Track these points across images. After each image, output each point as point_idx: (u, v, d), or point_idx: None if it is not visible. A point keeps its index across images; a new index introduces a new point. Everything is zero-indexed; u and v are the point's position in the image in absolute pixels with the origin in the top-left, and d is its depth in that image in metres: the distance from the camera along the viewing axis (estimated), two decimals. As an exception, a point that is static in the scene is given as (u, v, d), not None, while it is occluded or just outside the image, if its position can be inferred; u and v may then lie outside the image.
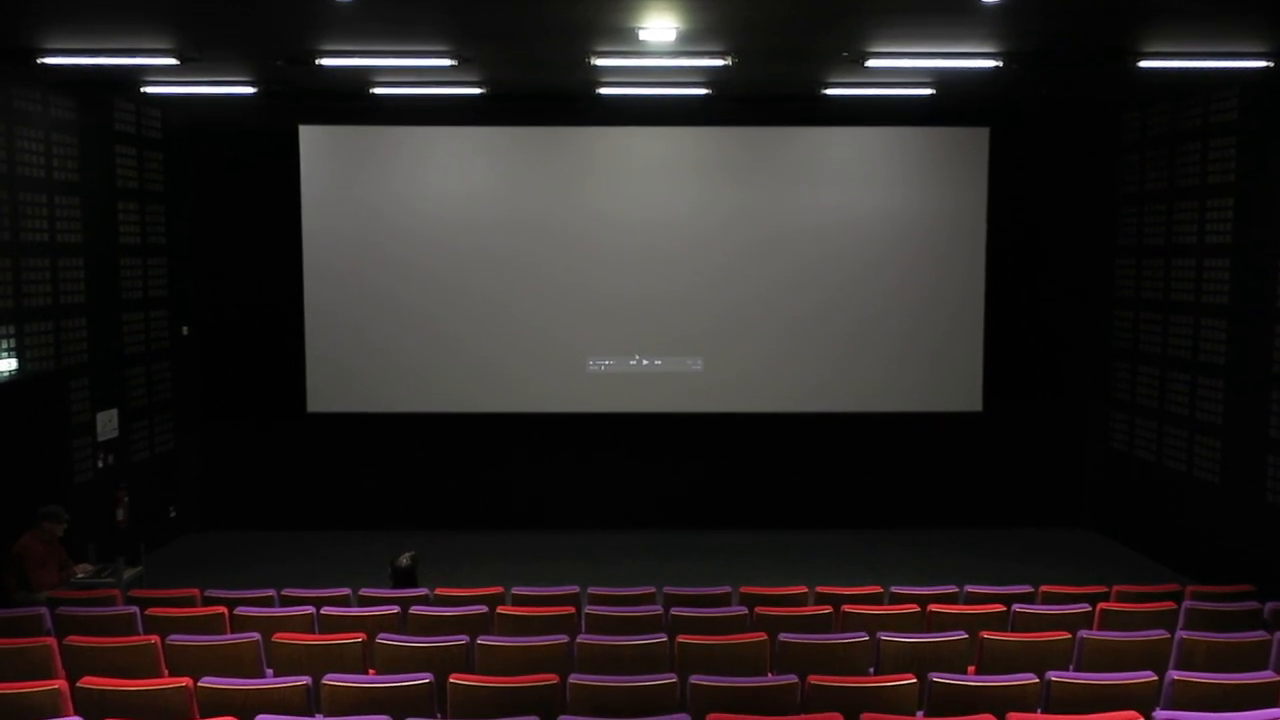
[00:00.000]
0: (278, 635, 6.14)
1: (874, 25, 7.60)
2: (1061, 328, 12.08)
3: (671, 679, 5.38)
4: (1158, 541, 10.97)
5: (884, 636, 6.14)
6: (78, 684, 5.29)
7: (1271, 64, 8.41)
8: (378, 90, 10.10)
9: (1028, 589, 7.45)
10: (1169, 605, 6.90)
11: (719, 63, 8.52)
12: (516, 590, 7.50)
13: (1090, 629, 6.48)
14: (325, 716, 5.31)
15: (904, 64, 8.72)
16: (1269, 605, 6.93)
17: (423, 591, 7.47)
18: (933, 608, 6.81)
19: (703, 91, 10.36)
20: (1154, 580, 9.46)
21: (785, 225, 11.73)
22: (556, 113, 11.52)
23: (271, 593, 7.32)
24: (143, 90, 10.16)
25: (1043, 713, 5.33)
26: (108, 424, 10.46)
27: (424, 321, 11.75)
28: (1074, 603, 6.95)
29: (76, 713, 5.10)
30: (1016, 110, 11.54)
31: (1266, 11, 7.11)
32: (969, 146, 11.73)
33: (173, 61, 8.47)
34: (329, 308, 11.73)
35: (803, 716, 5.00)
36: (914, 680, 5.36)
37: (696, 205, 11.70)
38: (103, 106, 10.43)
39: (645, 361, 11.84)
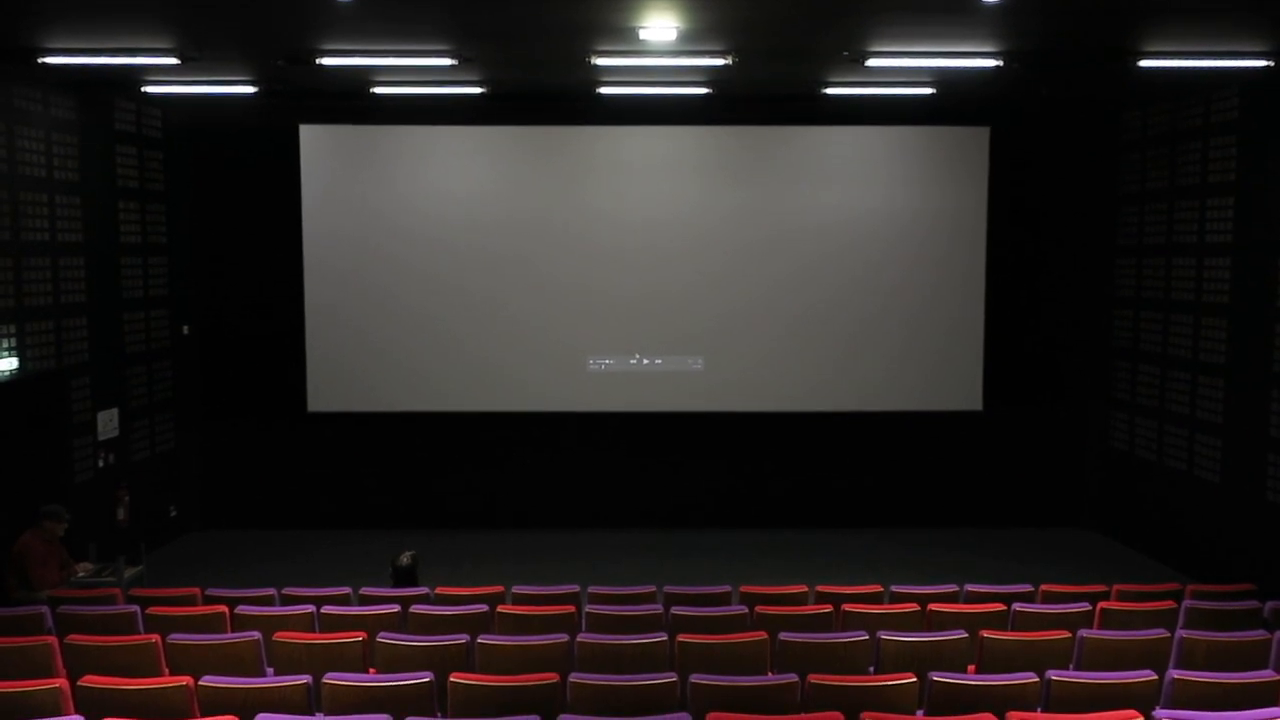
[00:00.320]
0: (278, 634, 6.14)
1: (874, 24, 7.60)
2: (1062, 327, 12.08)
3: (672, 678, 5.39)
4: (1158, 541, 10.98)
5: (884, 635, 6.14)
6: (78, 683, 5.30)
7: (1272, 63, 8.41)
8: (378, 90, 10.11)
9: (1028, 588, 7.45)
10: (1169, 604, 6.90)
11: (719, 62, 8.52)
12: (517, 589, 7.50)
13: (1090, 628, 6.48)
14: (326, 715, 5.31)
15: (904, 63, 8.72)
16: (1269, 604, 6.93)
17: (423, 590, 7.47)
18: (933, 607, 6.81)
19: (703, 91, 10.36)
20: (1154, 579, 9.46)
21: (785, 224, 11.73)
22: (557, 112, 11.52)
23: (272, 592, 7.32)
24: (143, 89, 10.16)
25: (1043, 712, 5.33)
26: (108, 423, 10.47)
27: (424, 321, 11.76)
28: (1074, 602, 6.95)
29: (77, 711, 5.10)
30: (1017, 110, 11.55)
31: (1266, 11, 7.11)
32: (969, 146, 11.73)
33: (173, 61, 8.48)
34: (329, 307, 11.74)
35: (803, 715, 5.00)
36: (914, 679, 5.36)
37: (697, 204, 11.71)
38: (103, 106, 10.43)
39: (646, 361, 11.84)
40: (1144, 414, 11.25)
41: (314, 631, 6.55)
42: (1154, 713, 4.85)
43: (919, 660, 5.87)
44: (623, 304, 11.75)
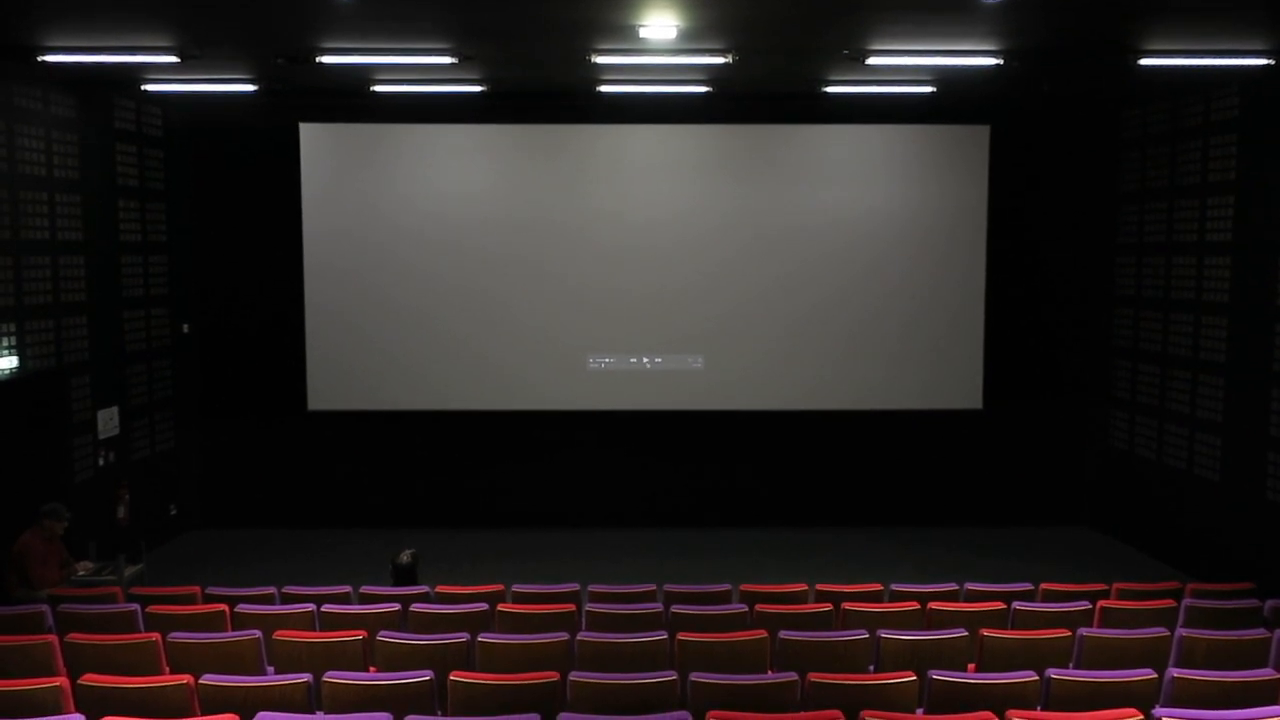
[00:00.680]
0: (278, 633, 6.15)
1: (874, 23, 7.60)
2: (1062, 325, 12.08)
3: (672, 676, 5.39)
4: (1158, 539, 10.98)
5: (884, 634, 6.15)
6: (79, 681, 5.30)
7: (1272, 62, 8.41)
8: (378, 88, 10.11)
9: (1028, 586, 7.45)
10: (1169, 603, 6.90)
11: (719, 60, 8.52)
12: (517, 588, 7.50)
13: (1090, 626, 6.48)
14: (326, 714, 5.32)
15: (904, 62, 8.72)
16: (1269, 603, 6.94)
17: (423, 589, 7.48)
18: (933, 605, 6.81)
19: (703, 89, 10.37)
20: (1154, 578, 9.46)
21: (786, 223, 11.73)
22: (557, 110, 11.52)
23: (272, 590, 7.33)
24: (143, 88, 10.16)
25: (1042, 710, 5.33)
26: (108, 422, 10.47)
27: (424, 319, 11.76)
28: (1074, 600, 6.95)
29: (78, 710, 5.11)
30: (1017, 108, 11.54)
31: (1267, 9, 7.11)
32: (969, 144, 11.73)
33: (173, 59, 8.48)
34: (329, 305, 11.74)
35: (803, 714, 5.01)
36: (914, 678, 5.36)
37: (697, 203, 11.70)
38: (103, 104, 10.43)
39: (646, 360, 11.84)
40: (1144, 413, 11.26)
41: (314, 630, 6.56)
42: (1154, 711, 4.85)
43: (919, 659, 5.87)
44: (623, 303, 11.75)
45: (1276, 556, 9.08)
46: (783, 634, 6.15)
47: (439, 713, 5.49)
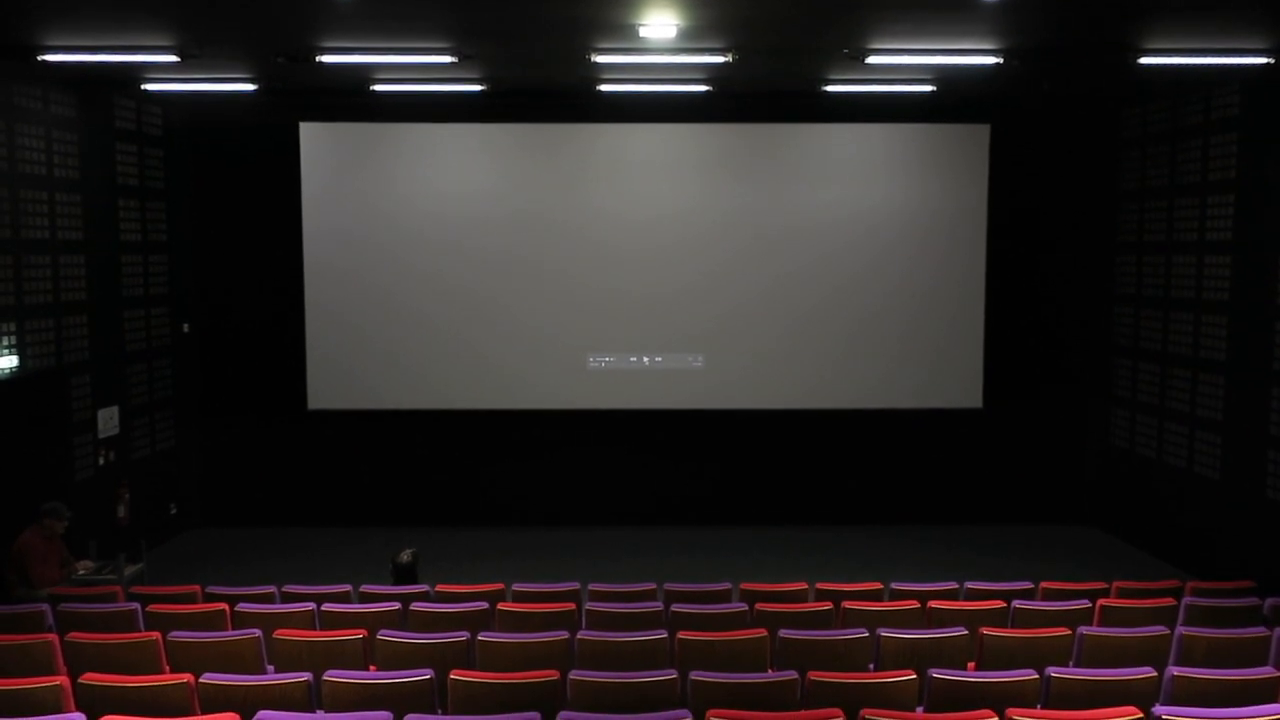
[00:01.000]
0: (279, 631, 6.15)
1: (874, 22, 7.60)
2: (1062, 324, 12.08)
3: (672, 675, 5.39)
4: (1158, 538, 10.98)
5: (884, 633, 6.15)
6: (79, 680, 5.31)
7: (1273, 60, 8.40)
8: (378, 87, 10.11)
9: (1028, 585, 7.45)
10: (1169, 601, 6.91)
11: (719, 59, 8.52)
12: (517, 587, 7.51)
13: (1090, 625, 6.49)
14: (326, 712, 5.32)
15: (905, 60, 8.72)
16: (1268, 601, 6.94)
17: (423, 588, 7.48)
18: (933, 604, 6.82)
19: (703, 88, 10.37)
20: (1154, 576, 9.47)
21: (785, 221, 11.73)
22: (557, 110, 11.52)
23: (272, 589, 7.33)
24: (143, 87, 10.16)
25: (1042, 708, 5.33)
26: (109, 421, 10.47)
27: (424, 318, 11.76)
28: (1074, 599, 6.96)
29: (78, 709, 5.11)
30: (1017, 107, 11.54)
31: (1267, 8, 7.11)
32: (970, 143, 11.73)
33: (173, 58, 8.48)
34: (329, 305, 11.74)
35: (803, 712, 5.01)
36: (914, 676, 5.36)
37: (697, 202, 11.70)
38: (103, 104, 10.43)
39: (646, 359, 11.84)
40: (1144, 411, 11.26)
41: (314, 629, 6.56)
42: (1153, 709, 4.85)
43: (919, 657, 5.88)
44: (623, 302, 11.75)
45: (1276, 555, 9.09)
46: (783, 633, 6.15)
47: (439, 711, 5.49)
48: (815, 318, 11.81)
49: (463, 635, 6.09)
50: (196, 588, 7.37)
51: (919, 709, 5.43)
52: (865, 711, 4.80)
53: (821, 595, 7.33)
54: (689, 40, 8.02)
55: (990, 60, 8.50)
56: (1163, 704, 5.16)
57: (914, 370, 11.87)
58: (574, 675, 5.39)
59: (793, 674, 5.40)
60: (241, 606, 6.74)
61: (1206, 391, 10.21)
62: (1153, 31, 7.86)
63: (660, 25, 7.44)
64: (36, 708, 5.06)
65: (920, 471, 12.14)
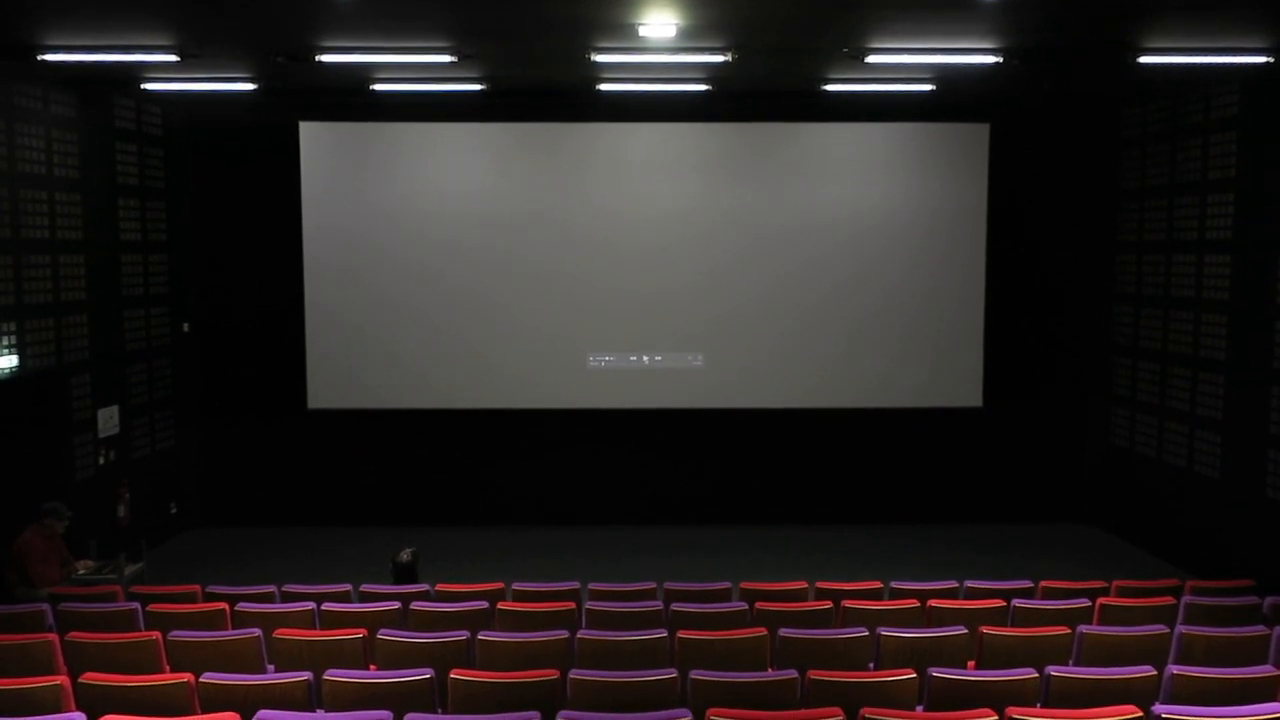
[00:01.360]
0: (279, 631, 6.15)
1: (874, 21, 7.60)
2: (1062, 323, 12.08)
3: (672, 674, 5.39)
4: (1158, 537, 10.98)
5: (884, 631, 6.15)
6: (79, 679, 5.31)
7: (1272, 59, 8.40)
8: (378, 86, 10.11)
9: (1028, 584, 7.45)
10: (1168, 600, 6.91)
11: (719, 59, 8.52)
12: (517, 586, 7.51)
13: (1090, 624, 6.49)
14: (326, 711, 5.32)
15: (904, 60, 8.72)
16: (1268, 600, 6.94)
17: (423, 587, 7.48)
18: (933, 603, 6.82)
19: (703, 87, 10.37)
20: (1154, 575, 9.48)
21: (785, 221, 11.73)
22: (557, 109, 11.52)
23: (273, 588, 7.34)
24: (143, 87, 10.16)
25: (1042, 707, 5.34)
26: (109, 420, 10.48)
27: (424, 318, 11.76)
28: (1074, 598, 6.96)
29: (78, 708, 5.11)
30: (1017, 106, 11.54)
31: (1267, 7, 7.11)
32: (969, 142, 11.73)
33: (173, 58, 8.48)
34: (329, 304, 11.74)
35: (803, 711, 5.01)
36: (914, 675, 5.36)
37: (697, 201, 11.70)
38: (103, 103, 10.43)
39: (646, 358, 11.84)
40: (1144, 410, 11.26)
41: (314, 628, 6.57)
42: (1153, 708, 4.86)
43: (919, 656, 5.88)
44: (623, 301, 11.76)
45: (1276, 554, 9.09)
46: (783, 632, 6.16)
47: (439, 711, 5.49)
48: (815, 317, 11.82)
49: (463, 634, 6.10)
50: (197, 587, 7.37)
51: (919, 708, 5.43)
52: (865, 710, 4.81)
53: (821, 594, 7.33)
54: (688, 40, 8.02)
55: (990, 59, 8.50)
56: (1162, 703, 5.17)
57: (914, 369, 11.87)
58: (574, 674, 5.40)
59: (793, 673, 5.41)
60: (241, 606, 6.74)
61: (1206, 391, 10.21)
62: (1152, 31, 7.86)
63: (660, 25, 7.45)
64: (37, 707, 5.06)
65: (920, 470, 12.14)
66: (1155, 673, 5.40)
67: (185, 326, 11.78)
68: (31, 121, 9.41)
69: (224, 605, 6.67)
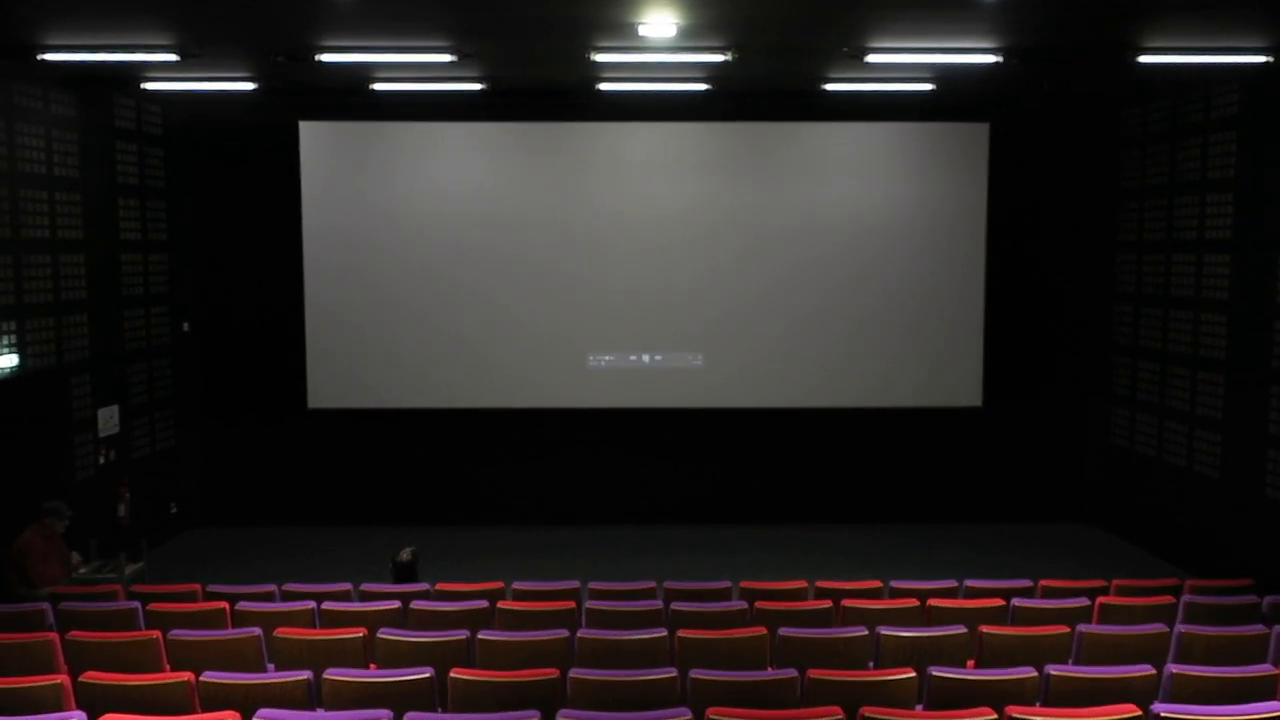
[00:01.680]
0: (279, 630, 6.16)
1: (874, 21, 7.60)
2: (1061, 323, 12.09)
3: (672, 673, 5.40)
4: (1157, 536, 10.99)
5: (883, 631, 6.16)
6: (80, 678, 5.32)
7: (1272, 59, 8.40)
8: (378, 86, 10.11)
9: (1027, 583, 7.46)
10: (1168, 599, 6.92)
11: (719, 58, 8.52)
12: (517, 585, 7.51)
13: (1089, 623, 6.49)
14: (326, 711, 5.33)
15: (904, 59, 8.72)
16: (1267, 599, 6.94)
17: (423, 586, 7.48)
18: (932, 602, 6.82)
19: (703, 87, 10.37)
20: (1153, 574, 9.48)
21: (785, 220, 11.73)
22: (557, 108, 11.52)
23: (273, 588, 7.34)
24: (143, 87, 10.16)
25: (1042, 706, 5.34)
26: (109, 420, 10.48)
27: (424, 317, 11.76)
28: (1073, 597, 6.96)
29: (79, 707, 5.12)
30: (1017, 105, 11.54)
31: (1267, 7, 7.11)
32: (969, 142, 11.73)
33: (173, 58, 8.48)
34: (329, 304, 11.74)
35: (803, 710, 5.01)
36: (913, 674, 5.37)
37: (697, 200, 11.71)
38: (103, 103, 10.43)
39: (646, 357, 11.84)
40: (1144, 410, 11.26)
41: (314, 627, 6.57)
42: (1152, 707, 4.86)
43: (918, 655, 5.88)
44: (622, 300, 11.76)
45: (1275, 553, 9.09)
46: (782, 631, 6.16)
47: (439, 710, 5.49)
48: (815, 316, 11.82)
49: (463, 634, 6.10)
50: (197, 586, 7.37)
51: (918, 707, 5.43)
52: (865, 709, 4.81)
53: (821, 594, 7.33)
54: (688, 39, 8.02)
55: (990, 59, 8.51)
56: (1162, 701, 5.17)
57: (914, 369, 11.87)
58: (574, 673, 5.40)
59: (792, 672, 5.41)
60: (242, 605, 6.75)
61: (1206, 390, 10.22)
62: (1152, 30, 7.87)
63: (660, 24, 7.45)
64: (37, 706, 5.07)
65: (920, 470, 12.14)
66: (1155, 672, 5.40)
67: (185, 326, 11.78)
68: (32, 121, 9.42)
69: (224, 604, 6.67)
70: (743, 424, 12.04)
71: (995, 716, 4.78)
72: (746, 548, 11.19)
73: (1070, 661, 6.05)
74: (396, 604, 6.77)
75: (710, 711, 4.76)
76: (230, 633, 6.22)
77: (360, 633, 6.11)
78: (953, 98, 10.88)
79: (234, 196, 11.77)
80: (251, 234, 11.82)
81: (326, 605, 6.75)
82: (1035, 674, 5.38)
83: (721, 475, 12.14)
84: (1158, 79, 10.08)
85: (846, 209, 11.74)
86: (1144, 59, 8.53)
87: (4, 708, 5.06)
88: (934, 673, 5.38)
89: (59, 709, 5.09)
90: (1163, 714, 4.78)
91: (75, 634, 6.06)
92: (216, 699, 5.24)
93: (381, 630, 6.13)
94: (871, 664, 6.14)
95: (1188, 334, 10.50)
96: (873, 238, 11.76)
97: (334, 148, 11.68)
